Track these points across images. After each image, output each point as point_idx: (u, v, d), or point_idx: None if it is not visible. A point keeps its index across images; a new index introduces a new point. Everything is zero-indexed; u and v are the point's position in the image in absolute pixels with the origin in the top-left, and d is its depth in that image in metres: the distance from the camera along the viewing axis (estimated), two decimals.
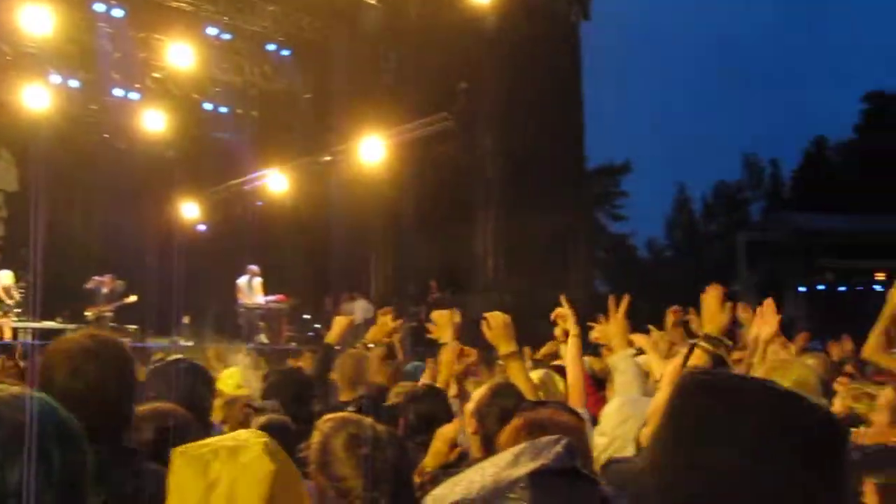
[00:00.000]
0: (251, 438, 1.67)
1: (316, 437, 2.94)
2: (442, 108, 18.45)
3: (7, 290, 16.04)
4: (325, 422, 3.01)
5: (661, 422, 1.28)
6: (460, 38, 17.61)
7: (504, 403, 3.50)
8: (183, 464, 1.61)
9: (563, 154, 20.03)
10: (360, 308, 18.02)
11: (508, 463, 1.24)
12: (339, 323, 5.43)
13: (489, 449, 3.46)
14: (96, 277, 17.13)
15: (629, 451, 3.41)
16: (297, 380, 4.87)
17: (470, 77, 18.54)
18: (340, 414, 3.38)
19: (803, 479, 1.17)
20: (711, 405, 1.23)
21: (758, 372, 3.76)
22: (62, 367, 2.46)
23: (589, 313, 5.86)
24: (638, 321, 5.95)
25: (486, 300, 18.05)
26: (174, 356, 3.62)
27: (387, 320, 5.48)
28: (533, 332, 8.00)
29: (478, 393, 3.72)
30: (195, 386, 3.30)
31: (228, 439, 1.70)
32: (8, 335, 15.09)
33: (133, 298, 17.39)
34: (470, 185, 18.97)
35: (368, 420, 3.04)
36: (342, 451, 2.84)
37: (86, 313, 16.73)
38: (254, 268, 17.85)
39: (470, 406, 3.65)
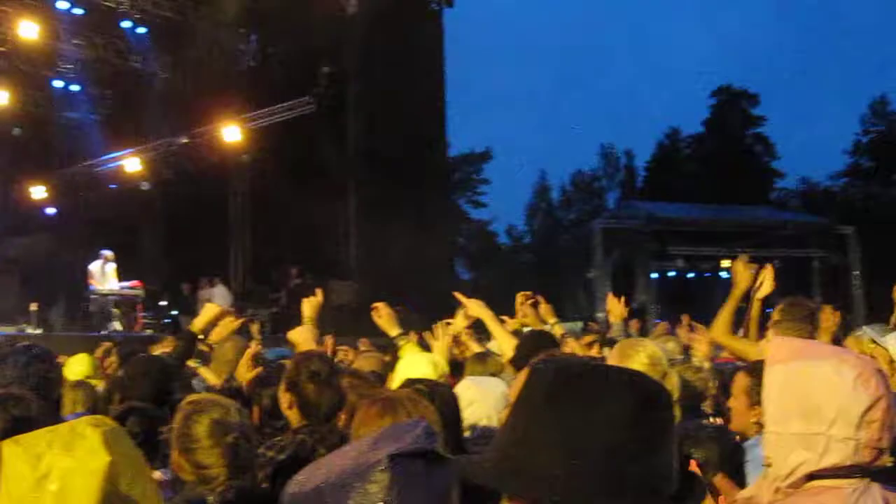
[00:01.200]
0: (90, 427, 1.60)
1: (178, 420, 2.86)
2: (305, 92, 18.25)
3: None
4: (188, 404, 2.92)
5: (519, 408, 1.32)
6: (324, 21, 17.46)
7: (312, 367, 3.56)
8: (14, 454, 1.52)
9: (425, 140, 20.16)
10: (218, 295, 17.68)
11: (369, 447, 1.27)
12: (208, 310, 5.18)
13: (310, 414, 3.48)
14: None
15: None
16: (160, 366, 4.71)
17: (333, 61, 18.39)
18: (204, 395, 3.30)
19: (663, 452, 1.26)
20: (577, 391, 1.28)
21: (614, 351, 3.89)
22: None
23: (451, 300, 5.92)
24: (499, 308, 6.04)
25: (347, 287, 18.02)
26: (23, 343, 3.47)
27: (229, 321, 5.29)
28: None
29: (287, 370, 3.75)
30: (46, 373, 3.19)
31: (65, 428, 1.62)
32: None
33: None
34: (332, 170, 18.85)
35: (233, 404, 2.98)
36: (207, 438, 2.77)
37: None
38: (107, 252, 17.21)
39: (282, 386, 3.65)
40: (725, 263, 24.45)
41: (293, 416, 3.57)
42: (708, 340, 5.50)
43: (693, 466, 2.32)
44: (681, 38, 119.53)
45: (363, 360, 6.14)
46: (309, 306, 5.05)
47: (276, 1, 17.62)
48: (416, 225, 17.75)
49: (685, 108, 59.44)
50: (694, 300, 22.15)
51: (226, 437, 2.75)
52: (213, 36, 19.48)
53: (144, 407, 3.71)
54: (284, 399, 3.58)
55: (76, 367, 5.70)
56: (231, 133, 18.39)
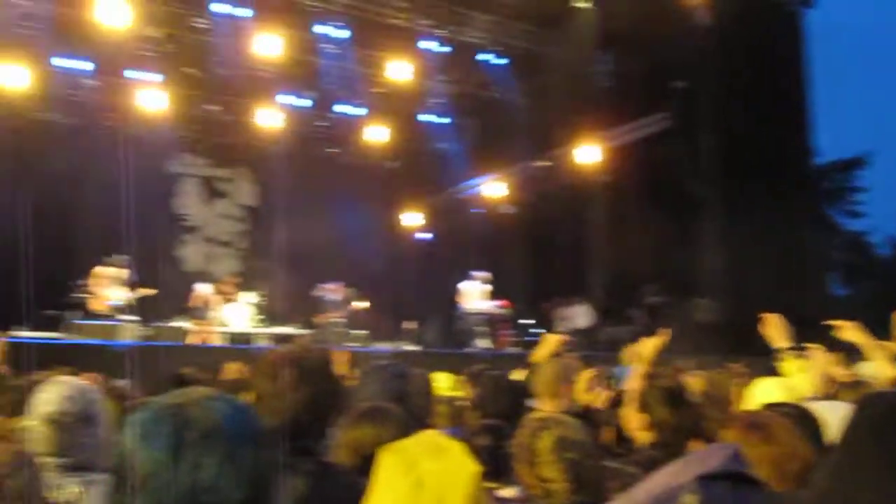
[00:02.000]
0: (446, 440, 1.73)
1: (524, 435, 2.98)
2: (659, 108, 18.13)
3: (210, 301, 16.70)
4: (534, 420, 3.04)
5: (845, 442, 1.23)
6: (675, 35, 17.23)
7: (662, 384, 3.48)
8: (390, 461, 1.69)
9: (788, 149, 19.16)
10: (580, 313, 17.98)
11: (678, 470, 1.27)
12: (548, 341, 5.21)
13: (662, 433, 3.41)
14: (324, 285, 17.96)
15: None
16: (511, 384, 4.87)
17: (686, 75, 18.10)
18: (549, 413, 3.40)
19: None
20: None
21: None
22: (262, 372, 2.65)
23: (823, 318, 5.52)
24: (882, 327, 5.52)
25: (708, 304, 17.55)
26: (385, 359, 3.76)
27: (552, 338, 5.23)
28: (759, 339, 7.64)
29: (634, 391, 3.65)
30: (402, 388, 3.43)
31: (429, 438, 1.77)
32: (210, 340, 15.80)
33: (364, 304, 18.10)
34: (689, 185, 18.50)
35: (577, 423, 3.05)
36: (549, 453, 2.86)
37: (315, 320, 17.56)
38: (482, 274, 18.11)
39: (631, 407, 3.56)
40: None
41: (643, 436, 3.55)
42: None
43: None
44: None
45: (692, 378, 5.87)
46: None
47: (627, 19, 17.68)
48: (781, 238, 16.91)
49: None
50: None
51: (567, 454, 2.83)
52: (568, 60, 19.91)
53: (497, 425, 3.88)
54: (635, 419, 3.57)
55: (440, 383, 6.02)
56: (588, 154, 18.74)
